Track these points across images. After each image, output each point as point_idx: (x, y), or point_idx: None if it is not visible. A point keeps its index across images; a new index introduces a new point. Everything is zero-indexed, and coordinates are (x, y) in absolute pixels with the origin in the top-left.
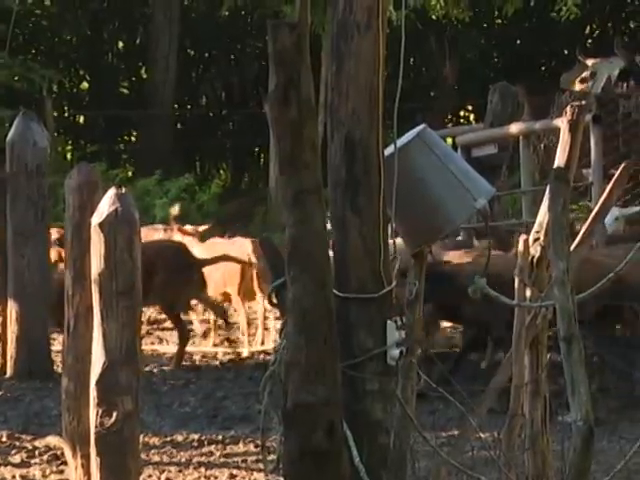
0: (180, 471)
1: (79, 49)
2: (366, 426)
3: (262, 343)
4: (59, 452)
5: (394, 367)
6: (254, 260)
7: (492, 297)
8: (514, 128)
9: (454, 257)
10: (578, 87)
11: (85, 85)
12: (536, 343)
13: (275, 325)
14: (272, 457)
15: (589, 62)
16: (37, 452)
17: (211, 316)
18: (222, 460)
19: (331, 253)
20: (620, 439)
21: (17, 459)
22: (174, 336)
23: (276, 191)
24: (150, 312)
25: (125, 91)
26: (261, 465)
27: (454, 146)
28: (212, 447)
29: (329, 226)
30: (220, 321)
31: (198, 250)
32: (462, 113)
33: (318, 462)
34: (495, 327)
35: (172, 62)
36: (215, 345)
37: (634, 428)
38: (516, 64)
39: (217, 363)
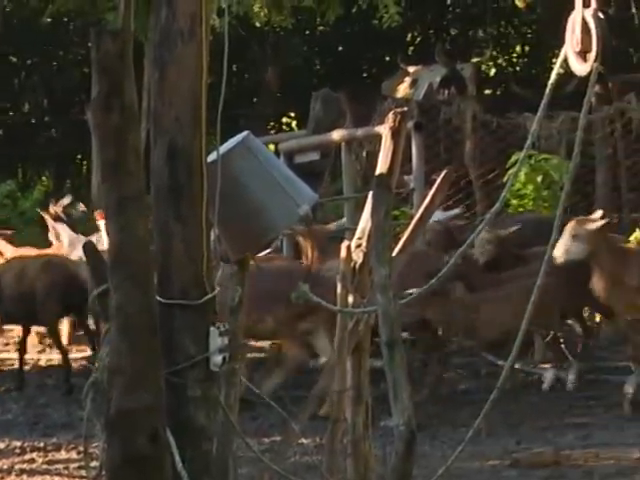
0: (2, 478)
1: None
2: (189, 432)
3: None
4: None
5: (217, 373)
6: None
7: (314, 303)
8: (336, 135)
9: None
10: (400, 94)
11: None
12: (359, 349)
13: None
14: (95, 464)
15: (411, 69)
16: None
17: None
18: (44, 467)
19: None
20: (442, 444)
21: None
22: None
23: (98, 198)
24: None
25: None
26: (83, 472)
27: (277, 153)
28: (34, 454)
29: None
30: None
31: None
32: (285, 120)
33: (141, 468)
34: None
35: None
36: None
37: (455, 433)
38: (339, 71)
39: (39, 370)
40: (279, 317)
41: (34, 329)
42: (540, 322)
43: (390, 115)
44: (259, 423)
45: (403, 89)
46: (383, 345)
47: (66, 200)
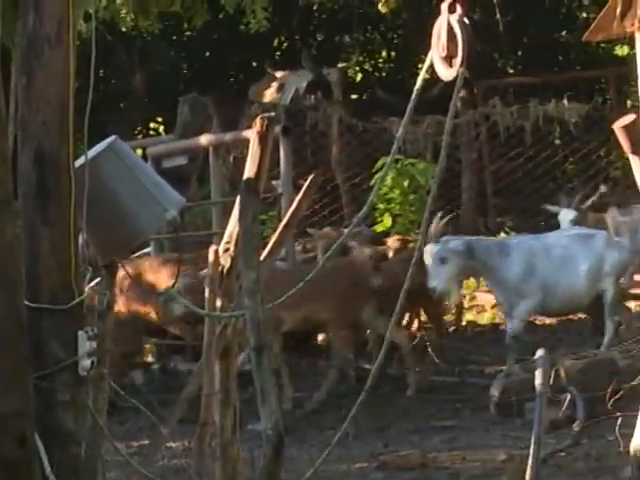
0: None
1: None
2: (57, 436)
3: None
4: None
5: (85, 378)
6: None
7: (184, 306)
8: (204, 139)
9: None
10: (267, 98)
11: None
12: (227, 353)
13: None
14: None
15: (278, 74)
16: None
17: None
18: None
19: None
20: (310, 447)
21: None
22: None
23: None
24: None
25: None
26: None
27: (144, 157)
28: None
29: None
30: None
31: None
32: (152, 125)
33: (9, 473)
34: None
35: None
36: None
37: (323, 436)
38: (206, 76)
39: None
40: None
41: None
42: None
43: (257, 120)
44: (127, 427)
45: (270, 94)
46: (251, 350)
47: None
